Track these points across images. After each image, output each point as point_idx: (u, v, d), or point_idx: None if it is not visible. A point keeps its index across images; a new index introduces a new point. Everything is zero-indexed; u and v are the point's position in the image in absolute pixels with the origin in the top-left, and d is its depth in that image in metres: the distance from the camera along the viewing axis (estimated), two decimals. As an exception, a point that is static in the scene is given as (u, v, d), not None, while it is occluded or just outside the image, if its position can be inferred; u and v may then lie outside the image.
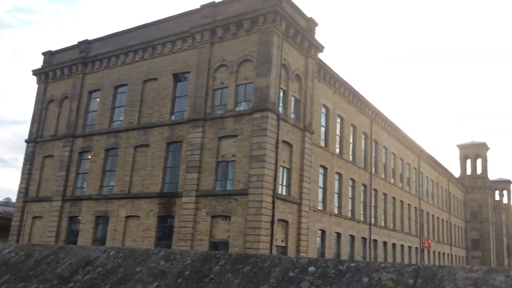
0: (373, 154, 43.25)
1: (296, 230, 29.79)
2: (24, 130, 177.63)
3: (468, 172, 75.82)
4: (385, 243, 43.12)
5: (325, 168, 34.63)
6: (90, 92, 37.80)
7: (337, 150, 37.08)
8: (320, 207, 33.47)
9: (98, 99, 37.07)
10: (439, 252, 58.20)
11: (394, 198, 46.51)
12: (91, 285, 2.31)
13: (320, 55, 34.29)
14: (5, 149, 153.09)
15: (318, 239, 32.99)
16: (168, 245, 28.47)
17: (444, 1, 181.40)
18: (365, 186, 40.73)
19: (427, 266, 1.78)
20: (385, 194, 44.54)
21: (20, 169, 40.71)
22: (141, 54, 34.75)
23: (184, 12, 33.33)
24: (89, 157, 35.66)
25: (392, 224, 45.42)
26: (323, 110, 35.72)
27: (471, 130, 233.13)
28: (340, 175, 36.68)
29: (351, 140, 39.65)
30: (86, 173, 35.52)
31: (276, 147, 28.55)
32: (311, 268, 1.99)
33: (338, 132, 37.76)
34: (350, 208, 37.92)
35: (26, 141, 40.28)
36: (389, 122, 46.88)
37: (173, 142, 31.68)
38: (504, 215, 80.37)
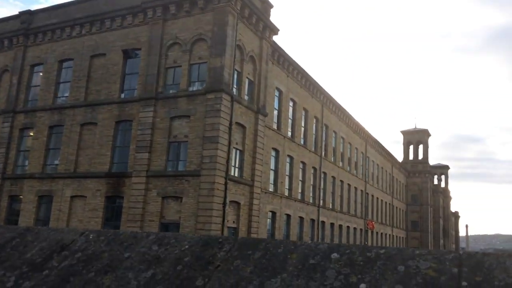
0: (324, 138, 44.02)
1: (247, 211, 29.91)
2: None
3: (411, 157, 79.26)
4: (332, 224, 44.33)
5: (277, 151, 34.85)
6: (33, 66, 35.67)
7: (289, 133, 37.39)
8: (271, 189, 33.75)
9: (41, 74, 35.08)
10: (381, 233, 60.71)
11: (342, 181, 47.76)
12: (71, 272, 2.03)
13: (275, 38, 34.19)
14: None
15: (269, 221, 33.34)
16: (116, 226, 27.73)
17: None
18: (315, 169, 41.47)
19: (469, 253, 1.65)
20: (333, 177, 45.62)
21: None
22: (88, 27, 33.10)
23: (136, -14, 31.96)
24: (31, 134, 33.84)
25: (339, 206, 46.72)
26: (276, 93, 35.76)
27: (415, 117, 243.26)
28: (291, 158, 37.08)
29: (302, 124, 40.08)
30: (28, 150, 33.72)
31: (230, 128, 28.32)
32: (334, 255, 1.84)
33: (290, 115, 38.02)
34: (300, 190, 38.53)
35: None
36: (340, 107, 47.79)
37: (122, 120, 30.66)
38: (441, 198, 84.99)
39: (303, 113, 40.20)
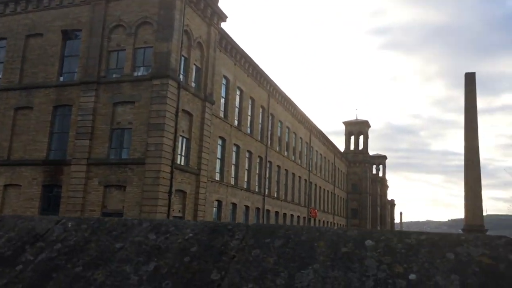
0: (270, 128, 44.27)
1: (193, 200, 29.51)
2: None
3: (352, 147, 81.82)
4: (277, 213, 44.86)
5: (223, 140, 34.59)
6: (-40, 44, 32.88)
7: (236, 122, 37.21)
8: (217, 178, 33.50)
9: (-30, 53, 32.42)
10: (323, 221, 62.36)
11: (286, 170, 48.37)
12: (51, 267, 1.68)
13: (223, 25, 33.74)
14: None
15: (215, 210, 33.13)
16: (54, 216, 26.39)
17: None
18: (261, 158, 41.65)
19: (517, 237, 1.55)
20: (279, 167, 46.08)
21: None
22: (24, 5, 30.98)
23: (76, -37, 30.23)
24: (-42, 118, 31.28)
25: (284, 195, 47.34)
26: (224, 81, 35.39)
27: (357, 109, 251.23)
28: (238, 146, 36.97)
29: (249, 113, 40.03)
30: (-46, 136, 31.14)
31: (176, 115, 27.69)
32: (369, 242, 1.66)
33: (237, 104, 37.81)
34: (246, 179, 38.56)
35: None
36: (286, 97, 48.19)
37: (61, 105, 29.16)
38: (379, 187, 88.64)
39: (250, 102, 40.13)
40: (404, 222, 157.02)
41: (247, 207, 38.04)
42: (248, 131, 39.43)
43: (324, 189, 63.16)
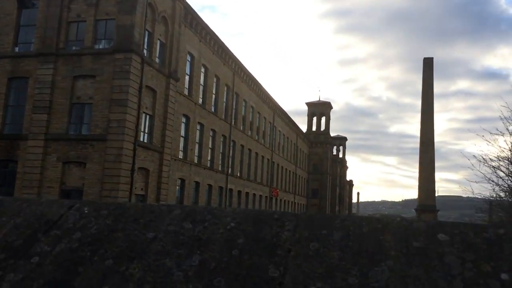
0: (234, 106, 43.92)
1: (156, 178, 29.04)
2: None
3: (314, 128, 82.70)
4: (239, 192, 44.96)
5: (187, 118, 34.04)
6: None
7: (200, 100, 36.66)
8: (181, 156, 33.06)
9: None
10: (285, 200, 63.15)
11: (250, 150, 48.37)
12: (75, 259, 1.48)
13: (188, 0, 32.83)
14: None
15: (178, 188, 32.76)
16: (9, 192, 25.29)
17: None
18: (225, 137, 41.38)
19: None
20: (242, 146, 45.99)
21: None
22: (-25, -31, 28.89)
23: None
24: None
25: (247, 174, 47.41)
26: (188, 58, 34.63)
27: (319, 90, 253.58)
28: (202, 125, 36.51)
29: (214, 91, 39.50)
30: None
31: (139, 91, 26.93)
32: (442, 236, 1.51)
33: (202, 81, 37.19)
34: (209, 158, 38.28)
35: None
36: (250, 76, 47.83)
37: (16, 77, 27.80)
38: (339, 168, 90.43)
39: (215, 80, 39.57)
40: (360, 202, 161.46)
41: (210, 186, 37.88)
42: (213, 109, 38.98)
43: (286, 169, 63.76)
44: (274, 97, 57.91)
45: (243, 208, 41.98)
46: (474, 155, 17.70)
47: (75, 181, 26.04)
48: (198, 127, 36.16)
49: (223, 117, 41.18)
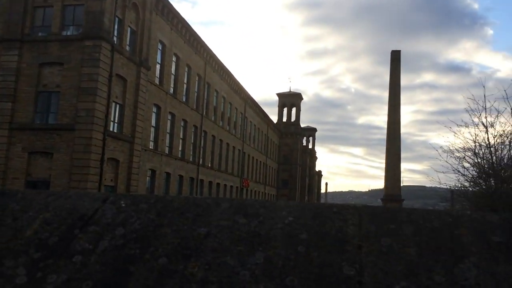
0: (206, 97, 43.49)
1: (126, 169, 28.49)
2: None
3: (284, 119, 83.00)
4: (210, 182, 44.71)
5: (158, 107, 33.47)
6: None
7: (172, 90, 36.08)
8: (151, 147, 32.52)
9: None
10: (255, 191, 63.27)
11: (221, 140, 48.10)
12: (125, 258, 1.35)
13: (160, -13, 32.12)
14: None
15: (148, 179, 32.27)
16: (-29, 185, 24.30)
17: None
18: (196, 127, 40.97)
19: None
20: (213, 136, 45.66)
21: None
22: None
23: None
24: None
25: (217, 165, 47.18)
26: (160, 46, 33.97)
27: (290, 81, 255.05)
28: (173, 115, 35.99)
29: (185, 81, 38.95)
30: None
31: (109, 80, 26.26)
32: None
33: (173, 71, 36.59)
34: (180, 148, 37.83)
35: None
36: (222, 66, 47.42)
37: (-22, 64, 26.43)
38: (308, 158, 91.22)
39: (186, 69, 39.02)
40: (328, 193, 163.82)
41: (181, 177, 37.49)
42: (184, 99, 38.46)
43: (257, 159, 63.83)
44: (246, 88, 57.74)
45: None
46: (441, 146, 18.06)
47: (42, 172, 25.25)
48: (169, 117, 35.64)
49: (195, 107, 40.73)
